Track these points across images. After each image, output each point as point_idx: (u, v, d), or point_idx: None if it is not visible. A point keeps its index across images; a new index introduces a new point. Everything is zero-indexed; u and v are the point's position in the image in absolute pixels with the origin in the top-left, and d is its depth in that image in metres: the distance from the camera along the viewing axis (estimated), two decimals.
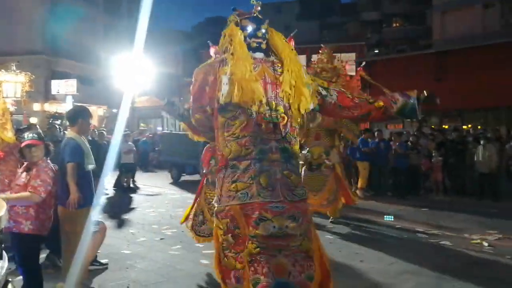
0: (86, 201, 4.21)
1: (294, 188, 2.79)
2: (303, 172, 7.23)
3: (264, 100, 2.79)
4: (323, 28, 40.43)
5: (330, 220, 7.65)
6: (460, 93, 17.50)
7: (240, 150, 2.76)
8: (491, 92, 16.51)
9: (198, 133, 3.99)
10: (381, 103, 3.08)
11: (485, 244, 6.21)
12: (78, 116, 4.35)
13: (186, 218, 5.26)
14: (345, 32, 37.80)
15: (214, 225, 2.93)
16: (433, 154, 10.92)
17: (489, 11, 21.28)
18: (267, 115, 2.79)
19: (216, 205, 2.88)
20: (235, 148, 2.78)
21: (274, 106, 2.82)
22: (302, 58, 26.97)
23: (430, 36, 25.64)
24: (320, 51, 7.97)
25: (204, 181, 5.10)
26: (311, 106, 3.04)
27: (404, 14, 36.07)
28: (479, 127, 17.93)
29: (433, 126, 18.17)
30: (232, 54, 2.86)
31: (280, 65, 2.96)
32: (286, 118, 2.84)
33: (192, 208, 5.18)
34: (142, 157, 16.59)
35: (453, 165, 10.86)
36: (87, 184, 4.29)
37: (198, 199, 5.11)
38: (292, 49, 3.07)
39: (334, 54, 7.97)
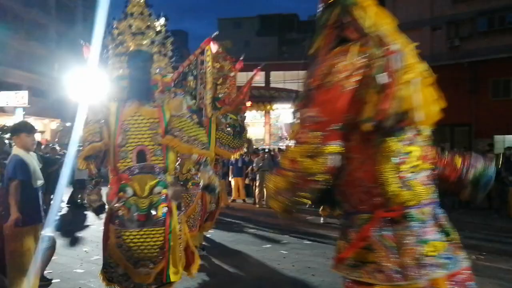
0: (32, 219, 4.15)
1: None
2: None
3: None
4: (282, 44, 41.23)
5: None
6: None
7: (425, 191, 1.89)
8: None
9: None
10: None
11: None
12: (18, 131, 4.27)
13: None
14: (303, 48, 38.67)
15: None
16: None
17: (437, 33, 22.41)
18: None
19: (382, 283, 1.80)
20: (418, 188, 1.86)
21: None
22: (261, 74, 27.39)
23: None
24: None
25: (110, 220, 3.52)
26: None
27: None
28: None
29: None
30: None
31: None
32: None
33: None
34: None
35: None
36: (34, 201, 4.22)
37: (108, 246, 3.53)
38: None
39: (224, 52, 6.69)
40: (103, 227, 3.55)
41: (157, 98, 3.60)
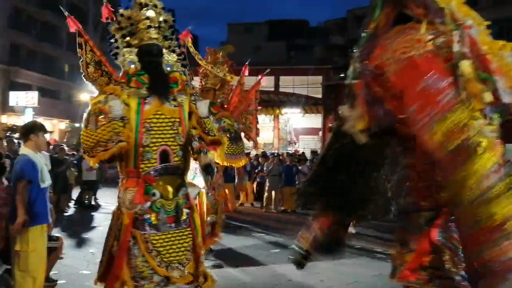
0: (39, 219, 4.10)
1: None
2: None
3: None
4: (291, 50, 41.22)
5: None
6: None
7: None
8: None
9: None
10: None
11: None
12: (30, 132, 4.24)
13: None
14: (312, 54, 38.72)
15: None
16: None
17: None
18: None
19: None
20: None
21: None
22: (270, 79, 27.43)
23: None
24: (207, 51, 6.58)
25: (134, 226, 3.23)
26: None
27: None
28: None
29: None
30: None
31: None
32: None
33: (120, 273, 3.22)
34: None
35: None
36: (42, 201, 4.18)
37: (132, 258, 3.21)
38: None
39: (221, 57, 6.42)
40: (121, 236, 3.24)
41: (177, 97, 3.42)
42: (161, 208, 3.20)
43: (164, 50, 3.52)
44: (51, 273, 4.97)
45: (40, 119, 19.68)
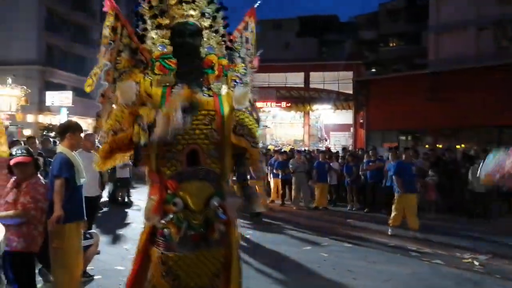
0: (75, 216, 4.18)
1: None
2: None
3: None
4: (322, 45, 40.84)
5: None
6: (454, 113, 17.79)
7: None
8: (483, 112, 16.86)
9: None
10: None
11: (476, 263, 6.26)
12: (67, 130, 4.33)
13: None
14: (343, 49, 38.26)
15: None
16: (429, 173, 10.96)
17: (483, 34, 21.74)
18: None
19: None
20: None
21: None
22: (300, 75, 27.25)
23: (425, 56, 25.99)
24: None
25: (151, 241, 2.73)
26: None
27: (400, 34, 36.57)
28: (474, 148, 18.18)
29: (427, 146, 18.34)
30: None
31: None
32: None
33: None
34: None
35: (445, 185, 10.95)
36: (77, 198, 4.27)
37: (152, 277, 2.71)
38: None
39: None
40: (140, 250, 2.74)
41: (212, 85, 2.80)
42: (184, 221, 2.56)
43: (205, 32, 2.93)
44: (87, 268, 5.10)
45: (75, 119, 20.22)
